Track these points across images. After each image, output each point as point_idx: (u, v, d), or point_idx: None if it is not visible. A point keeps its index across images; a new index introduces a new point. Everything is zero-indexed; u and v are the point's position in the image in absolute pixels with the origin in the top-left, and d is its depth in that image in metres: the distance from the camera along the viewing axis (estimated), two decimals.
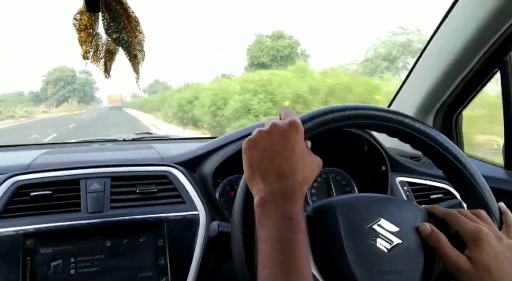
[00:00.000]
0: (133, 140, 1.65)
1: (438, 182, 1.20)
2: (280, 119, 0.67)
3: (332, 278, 0.64)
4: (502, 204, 0.73)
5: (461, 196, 0.76)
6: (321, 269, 0.64)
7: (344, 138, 1.14)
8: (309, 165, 0.64)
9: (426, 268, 0.67)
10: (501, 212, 0.72)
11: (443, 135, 0.74)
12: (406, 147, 1.35)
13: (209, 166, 1.09)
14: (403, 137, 0.75)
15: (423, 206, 0.74)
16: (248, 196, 0.65)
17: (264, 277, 0.56)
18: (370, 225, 0.68)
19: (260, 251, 0.59)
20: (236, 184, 1.17)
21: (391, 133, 0.75)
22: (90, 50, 0.89)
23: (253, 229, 0.65)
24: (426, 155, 0.76)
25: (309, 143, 0.69)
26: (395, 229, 0.68)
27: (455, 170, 0.73)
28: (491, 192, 0.72)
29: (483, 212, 0.69)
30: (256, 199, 0.62)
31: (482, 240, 0.64)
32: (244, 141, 0.65)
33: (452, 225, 0.68)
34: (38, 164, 1.10)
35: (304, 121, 0.67)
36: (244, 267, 0.66)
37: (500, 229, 0.69)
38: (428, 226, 0.68)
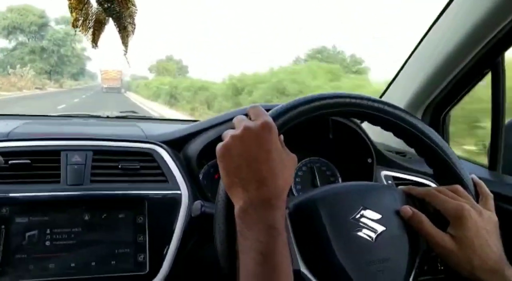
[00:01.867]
0: (117, 117, 1.63)
1: (422, 178, 1.20)
2: (250, 118, 0.64)
3: (321, 273, 0.64)
4: (474, 176, 0.75)
5: (434, 173, 0.76)
6: (309, 265, 0.64)
7: (329, 128, 1.14)
8: (287, 166, 0.63)
9: (411, 251, 0.68)
10: (475, 185, 0.73)
11: (410, 113, 0.74)
12: (393, 142, 1.37)
13: (194, 147, 1.07)
14: (371, 120, 0.74)
15: (399, 187, 0.75)
16: (228, 205, 0.63)
17: (245, 276, 0.56)
18: (353, 216, 0.67)
19: (242, 263, 0.58)
20: None
21: (362, 117, 0.75)
22: (80, 18, 0.86)
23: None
24: (396, 135, 0.76)
25: (281, 137, 0.67)
26: (377, 216, 0.68)
27: (427, 148, 0.74)
28: (463, 166, 0.73)
29: (459, 187, 0.70)
30: (236, 209, 0.60)
31: (465, 217, 0.65)
32: (217, 148, 0.63)
33: (432, 203, 0.69)
34: (18, 133, 1.08)
35: (275, 118, 0.65)
36: (225, 249, 0.65)
37: (477, 201, 0.70)
38: (408, 209, 0.68)
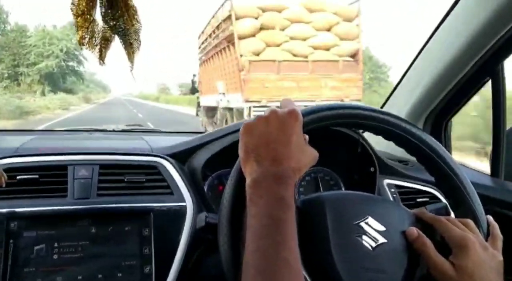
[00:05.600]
0: (123, 131, 1.64)
1: (424, 186, 1.21)
2: (280, 108, 0.67)
3: (314, 270, 0.65)
4: (490, 217, 0.74)
5: (450, 204, 0.76)
6: (305, 263, 0.64)
7: (333, 138, 1.15)
8: (304, 154, 0.64)
9: (409, 270, 0.67)
10: (488, 224, 0.72)
11: (439, 143, 0.75)
12: (394, 151, 1.38)
13: (199, 159, 1.09)
14: (401, 143, 0.76)
15: (412, 210, 0.74)
16: (240, 178, 0.65)
17: (252, 250, 0.56)
18: (358, 222, 0.68)
19: (249, 227, 0.59)
20: (225, 178, 1.17)
21: (388, 136, 0.75)
22: (86, 36, 0.88)
23: (241, 219, 0.65)
24: (419, 161, 0.76)
25: (306, 136, 0.70)
26: (381, 228, 0.68)
27: (447, 179, 0.74)
28: (480, 203, 0.73)
29: (471, 222, 0.70)
30: (248, 180, 0.62)
31: (468, 247, 0.64)
32: (242, 125, 0.65)
33: (439, 231, 0.68)
34: (26, 148, 1.10)
35: (303, 114, 0.67)
36: (230, 258, 0.65)
37: (486, 240, 0.69)
38: (415, 231, 0.68)
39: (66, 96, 33.82)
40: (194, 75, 13.17)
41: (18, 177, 0.92)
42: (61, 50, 40.49)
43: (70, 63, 43.06)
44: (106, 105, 37.95)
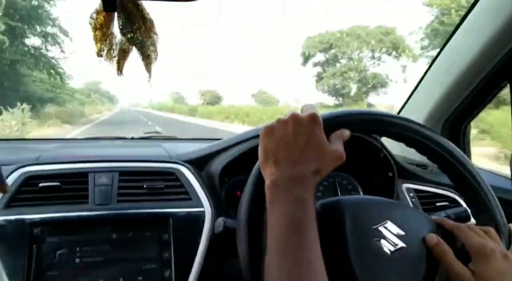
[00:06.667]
0: (141, 138, 1.67)
1: (444, 190, 1.20)
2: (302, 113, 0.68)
3: (332, 274, 0.64)
4: None
5: (471, 212, 0.75)
6: None
7: (351, 144, 1.15)
8: (325, 157, 0.64)
9: (427, 276, 0.66)
10: (510, 233, 0.71)
11: (460, 151, 0.74)
12: (412, 155, 1.37)
13: (216, 165, 1.10)
14: (423, 150, 0.75)
15: (433, 217, 0.74)
16: (259, 181, 0.66)
17: (274, 251, 0.56)
18: (377, 226, 0.67)
19: (270, 228, 0.59)
20: (243, 184, 1.17)
21: (410, 143, 0.75)
22: (104, 48, 0.91)
23: (260, 222, 0.65)
24: (440, 168, 0.76)
25: (344, 135, 0.69)
26: (401, 233, 0.68)
27: (469, 186, 0.73)
28: (502, 212, 0.72)
29: (492, 230, 0.69)
30: (267, 182, 0.62)
31: (487, 255, 0.64)
32: (262, 128, 0.66)
33: (459, 238, 0.68)
34: (48, 156, 1.12)
35: (324, 119, 0.67)
36: (249, 262, 0.66)
37: (507, 248, 0.68)
38: (434, 237, 0.67)
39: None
40: None
41: (40, 185, 0.94)
42: None
43: None
44: (107, 125, 23.74)
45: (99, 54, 0.91)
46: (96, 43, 0.90)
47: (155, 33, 0.90)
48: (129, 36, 0.88)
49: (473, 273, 0.63)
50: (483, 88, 1.26)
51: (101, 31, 0.89)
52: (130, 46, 0.92)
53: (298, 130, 0.64)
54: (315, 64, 35.25)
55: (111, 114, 40.53)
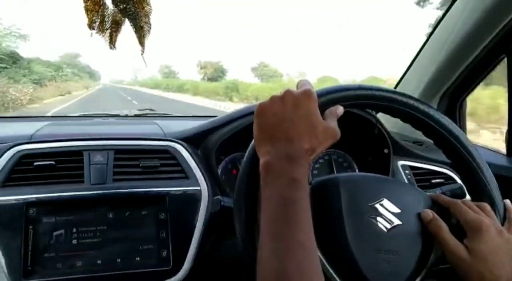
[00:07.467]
0: (135, 116, 1.65)
1: (439, 167, 1.20)
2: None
3: (328, 251, 0.65)
4: (508, 201, 0.73)
5: (467, 188, 0.76)
6: (318, 242, 0.65)
7: (346, 120, 1.14)
8: (319, 135, 0.63)
9: (423, 253, 0.67)
10: (505, 209, 0.72)
11: (457, 127, 0.74)
12: (409, 132, 1.37)
13: (212, 143, 1.09)
14: (419, 125, 0.74)
15: (428, 193, 0.74)
16: (254, 160, 0.65)
17: (266, 232, 0.56)
18: (373, 203, 0.68)
19: (262, 209, 0.59)
20: (239, 162, 1.17)
21: (406, 119, 0.74)
22: (96, 20, 0.88)
23: (256, 201, 0.65)
24: (436, 145, 0.76)
25: (337, 112, 0.69)
26: (397, 210, 0.68)
27: (464, 162, 0.73)
28: (498, 187, 0.72)
29: (487, 206, 0.69)
30: (262, 161, 0.62)
31: (482, 231, 0.64)
32: (257, 106, 0.66)
33: (454, 214, 0.69)
34: (42, 134, 1.10)
35: (319, 95, 0.66)
36: (246, 240, 0.66)
37: (502, 224, 0.69)
38: (430, 213, 0.68)
39: None
40: None
41: (35, 164, 0.93)
42: None
43: None
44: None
45: (90, 27, 0.87)
46: (87, 14, 0.86)
47: (148, 4, 0.87)
48: (121, 6, 0.84)
49: (468, 249, 0.64)
50: (480, 62, 1.25)
51: (92, 1, 0.85)
52: (123, 18, 0.89)
53: (293, 106, 0.63)
54: None
55: (87, 94, 31.57)
